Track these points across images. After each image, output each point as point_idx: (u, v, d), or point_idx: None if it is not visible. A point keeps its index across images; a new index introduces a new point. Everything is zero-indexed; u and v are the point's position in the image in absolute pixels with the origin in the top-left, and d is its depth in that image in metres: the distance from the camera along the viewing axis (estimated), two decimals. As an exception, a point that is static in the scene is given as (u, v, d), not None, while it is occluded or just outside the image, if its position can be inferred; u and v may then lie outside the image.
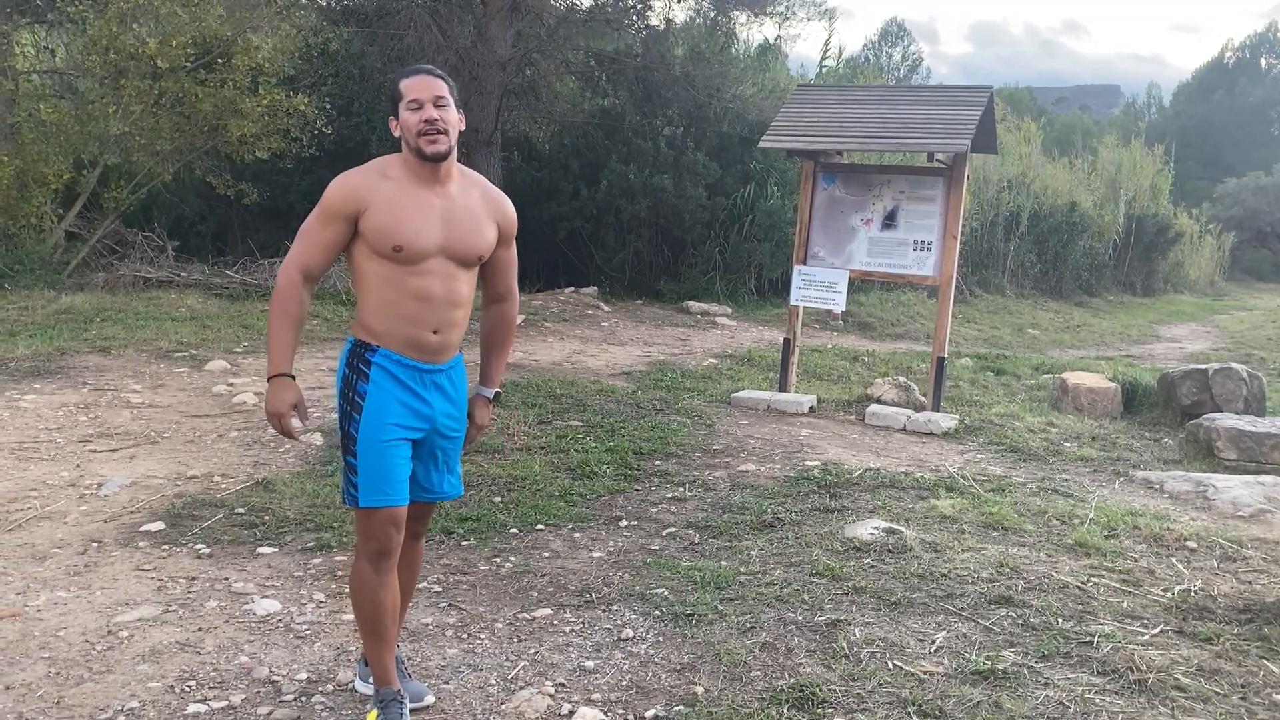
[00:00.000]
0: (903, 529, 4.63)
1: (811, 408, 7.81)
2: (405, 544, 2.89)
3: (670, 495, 5.22)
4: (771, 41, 19.20)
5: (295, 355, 2.72)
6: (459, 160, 2.84)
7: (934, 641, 3.51)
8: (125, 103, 10.93)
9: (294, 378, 2.71)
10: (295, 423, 2.69)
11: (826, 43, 26.19)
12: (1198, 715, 3.08)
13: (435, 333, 2.72)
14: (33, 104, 11.23)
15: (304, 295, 2.71)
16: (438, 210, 2.69)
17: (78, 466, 5.18)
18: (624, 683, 3.16)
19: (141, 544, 4.16)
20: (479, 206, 2.78)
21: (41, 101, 11.21)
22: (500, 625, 3.55)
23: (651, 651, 3.38)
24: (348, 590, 3.75)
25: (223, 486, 4.98)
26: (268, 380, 2.69)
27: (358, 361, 2.73)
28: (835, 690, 3.11)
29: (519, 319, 2.85)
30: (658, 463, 5.82)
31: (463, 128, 2.75)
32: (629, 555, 4.32)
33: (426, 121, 2.62)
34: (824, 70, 20.15)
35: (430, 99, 2.64)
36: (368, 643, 2.84)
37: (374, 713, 2.79)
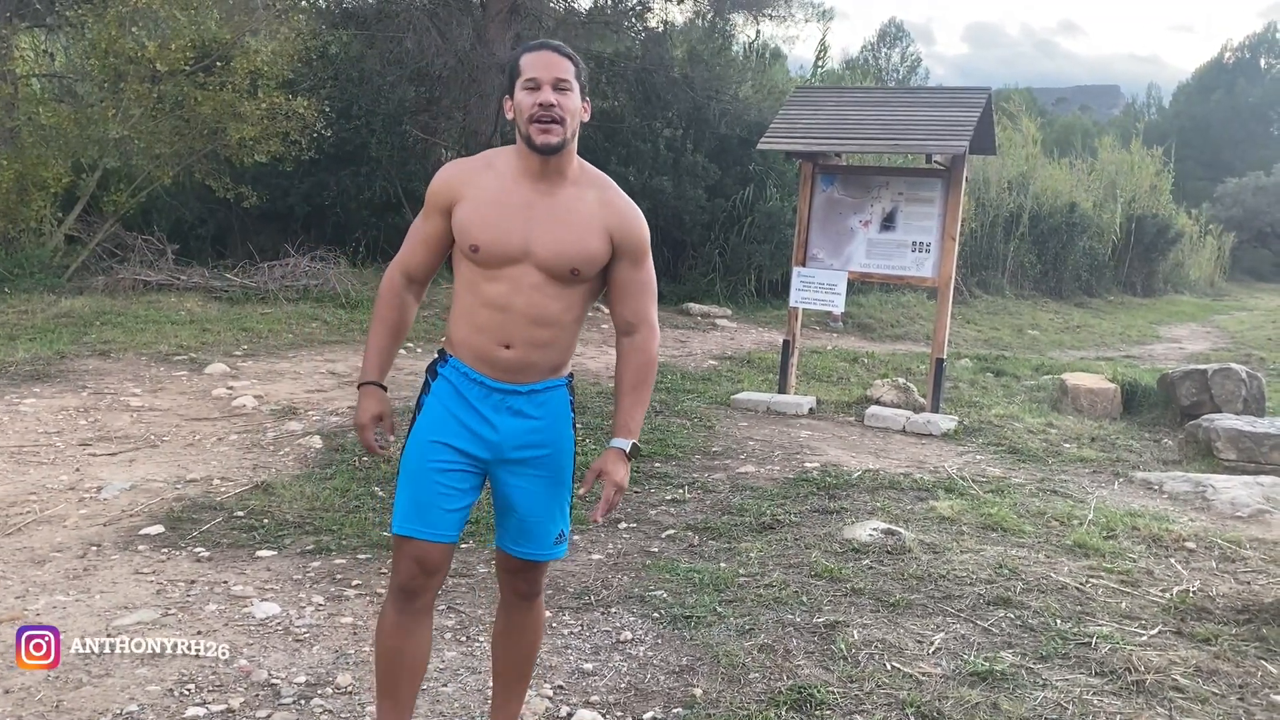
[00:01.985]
0: (901, 530, 4.63)
1: (811, 409, 7.81)
2: (511, 603, 2.56)
3: (669, 497, 5.22)
4: (770, 43, 19.24)
5: (390, 363, 2.50)
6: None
7: (932, 643, 3.51)
8: (125, 106, 10.93)
9: (384, 387, 2.47)
10: (376, 437, 2.46)
11: (821, 42, 26.09)
12: (1195, 716, 3.08)
13: (507, 348, 2.34)
14: (32, 108, 11.25)
15: (405, 298, 2.46)
16: (532, 209, 2.32)
17: (77, 470, 5.18)
18: (622, 685, 3.17)
19: (141, 547, 4.16)
20: (589, 211, 2.35)
21: (41, 105, 11.23)
22: (499, 628, 3.55)
23: (650, 654, 3.38)
24: (348, 593, 3.77)
25: (222, 490, 4.98)
26: (358, 387, 2.47)
27: (427, 372, 2.47)
28: (833, 692, 3.11)
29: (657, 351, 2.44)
30: (657, 465, 5.82)
31: (586, 118, 2.37)
32: (628, 557, 4.32)
33: (541, 106, 2.26)
34: (819, 72, 20.15)
35: (550, 80, 2.27)
36: (377, 694, 2.50)
37: None
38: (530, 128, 2.27)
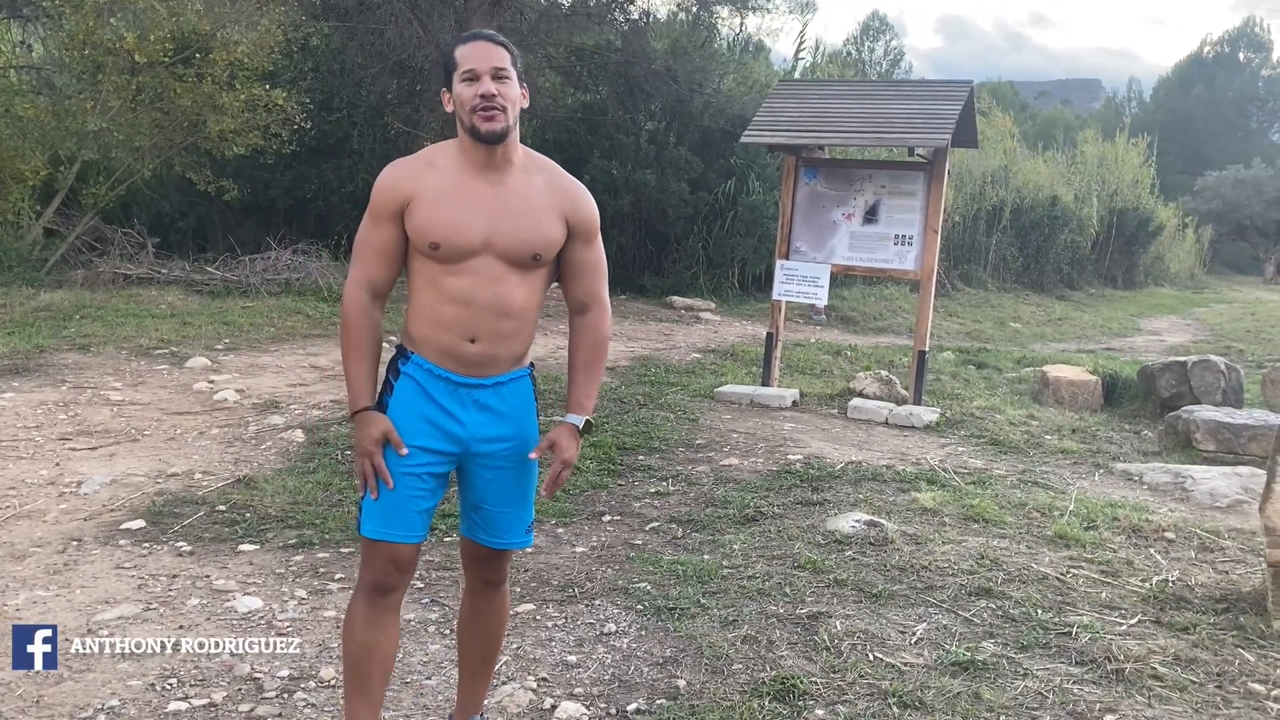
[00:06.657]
0: (884, 522, 4.65)
1: (794, 402, 7.83)
2: (477, 590, 2.58)
3: (653, 490, 5.23)
4: (753, 36, 19.25)
5: (375, 384, 2.41)
6: None
7: (914, 633, 3.53)
8: (103, 98, 10.83)
9: (381, 409, 2.40)
10: (382, 460, 2.36)
11: (801, 33, 26.24)
12: (1174, 704, 3.11)
13: (473, 341, 2.35)
14: (9, 100, 11.11)
15: (374, 316, 2.39)
16: (487, 200, 2.33)
17: (57, 465, 5.14)
18: (606, 677, 3.17)
19: (122, 542, 4.14)
20: (542, 196, 2.38)
21: (18, 97, 11.10)
22: (483, 621, 3.55)
23: (634, 645, 3.39)
24: (331, 586, 3.76)
25: (204, 484, 4.95)
26: (351, 417, 2.40)
27: (389, 371, 2.43)
28: (816, 682, 3.13)
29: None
30: (641, 458, 5.83)
31: (526, 104, 2.40)
32: (612, 550, 4.32)
33: (482, 96, 2.27)
34: (798, 63, 20.16)
35: (488, 70, 2.29)
36: (347, 692, 2.47)
37: None
38: (474, 118, 2.29)
